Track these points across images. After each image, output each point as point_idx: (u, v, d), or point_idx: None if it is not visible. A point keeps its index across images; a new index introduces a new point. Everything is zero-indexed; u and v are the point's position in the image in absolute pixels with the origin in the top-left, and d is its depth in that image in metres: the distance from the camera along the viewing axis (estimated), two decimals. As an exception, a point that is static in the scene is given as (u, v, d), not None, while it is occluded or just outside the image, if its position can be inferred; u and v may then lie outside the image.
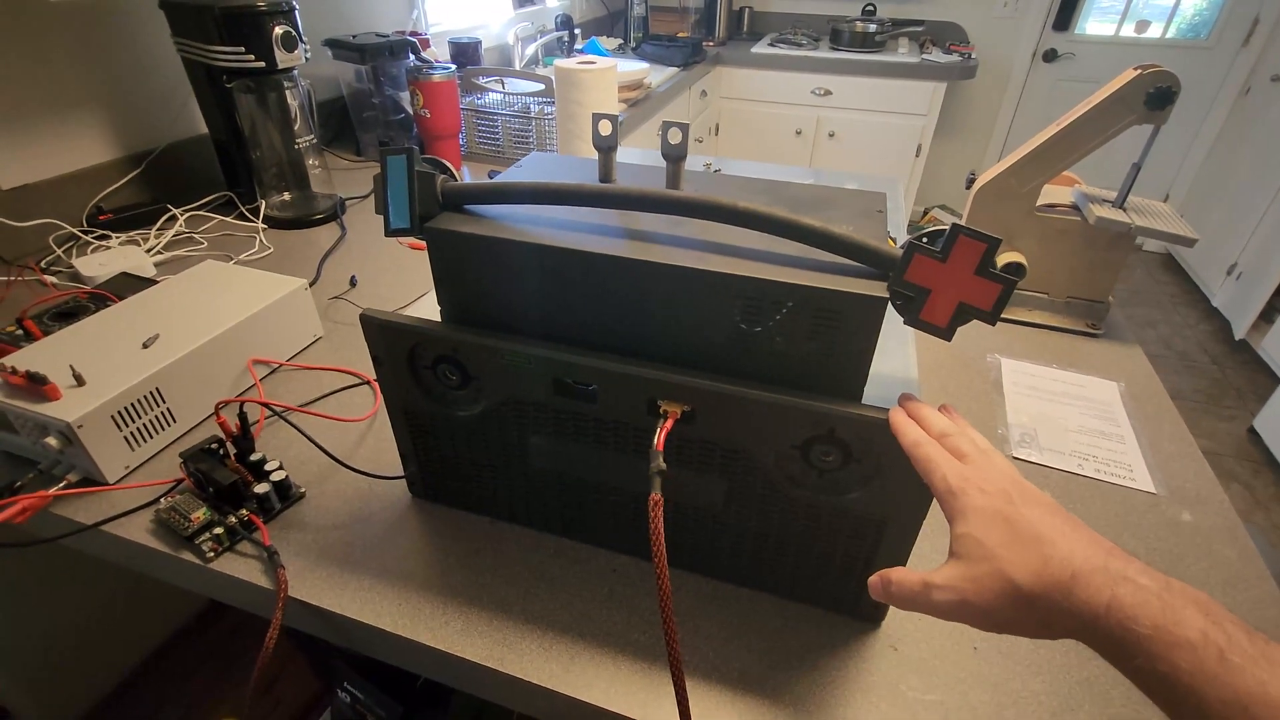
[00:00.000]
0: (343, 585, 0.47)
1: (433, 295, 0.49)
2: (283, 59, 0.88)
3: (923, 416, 0.36)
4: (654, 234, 0.41)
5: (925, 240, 0.37)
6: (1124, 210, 0.74)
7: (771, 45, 2.55)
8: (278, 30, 0.87)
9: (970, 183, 0.83)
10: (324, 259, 0.91)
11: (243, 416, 0.53)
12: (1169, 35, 2.58)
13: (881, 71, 2.35)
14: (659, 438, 0.39)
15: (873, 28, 2.44)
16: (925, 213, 3.08)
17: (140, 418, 0.56)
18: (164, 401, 0.58)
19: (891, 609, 0.46)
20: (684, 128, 0.45)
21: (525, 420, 0.46)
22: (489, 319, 0.44)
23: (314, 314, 0.73)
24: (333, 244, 0.95)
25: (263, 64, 0.87)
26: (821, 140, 2.54)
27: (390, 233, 0.44)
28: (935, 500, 0.33)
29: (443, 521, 0.53)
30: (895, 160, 2.47)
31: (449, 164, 0.47)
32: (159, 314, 0.64)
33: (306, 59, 0.93)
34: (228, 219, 1.00)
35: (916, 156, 2.45)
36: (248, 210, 1.01)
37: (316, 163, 1.04)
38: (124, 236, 0.93)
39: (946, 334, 0.36)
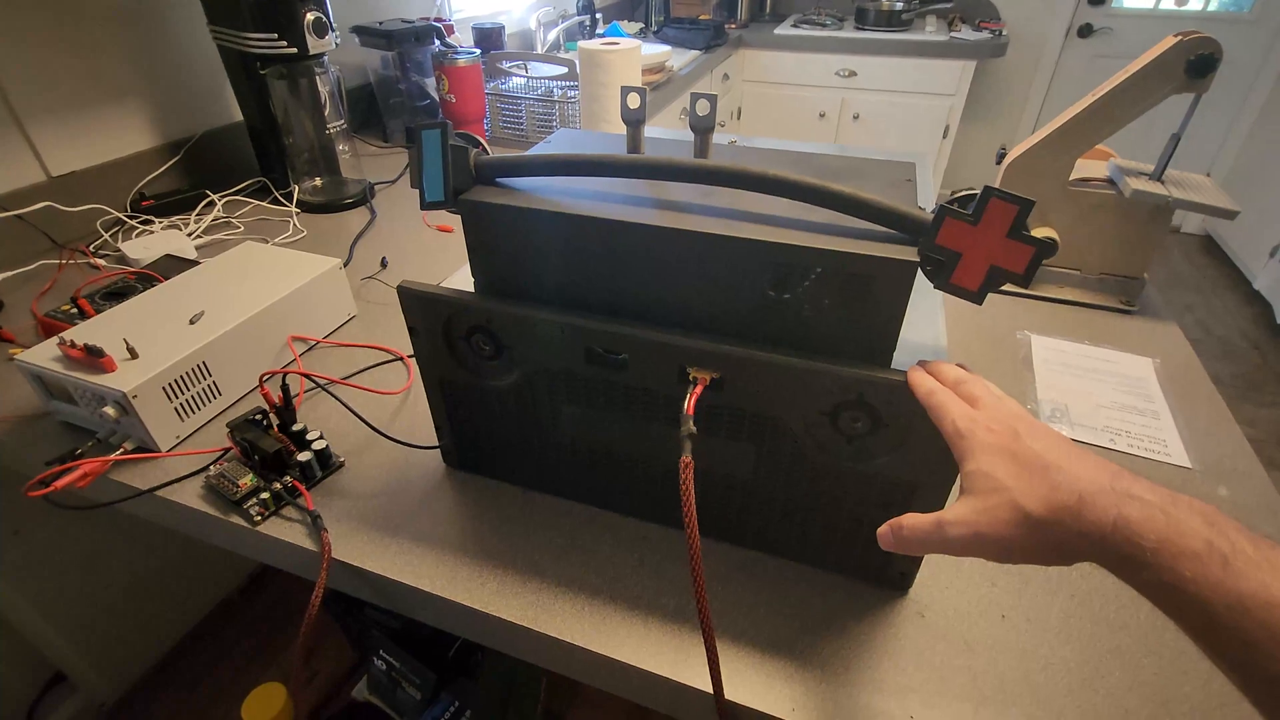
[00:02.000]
0: (383, 549, 0.49)
1: (464, 271, 0.50)
2: (314, 45, 0.90)
3: (937, 369, 0.37)
4: (683, 203, 0.42)
5: (956, 205, 0.37)
6: (1161, 183, 0.72)
7: (795, 26, 2.51)
8: (309, 16, 0.88)
9: (1001, 158, 0.81)
10: (355, 241, 0.93)
11: (285, 389, 0.55)
12: (1210, 8, 2.49)
13: (908, 51, 2.30)
14: (689, 402, 0.40)
15: (899, 5, 2.39)
16: (954, 195, 3.03)
17: (189, 389, 0.58)
18: (210, 375, 0.60)
19: (920, 578, 0.47)
20: (712, 99, 0.45)
21: (556, 389, 0.47)
22: (521, 290, 0.45)
23: (348, 293, 0.75)
24: (363, 227, 0.97)
25: (295, 50, 0.89)
26: (846, 123, 2.50)
27: (426, 205, 0.45)
28: (948, 445, 0.34)
29: (477, 490, 0.55)
30: (922, 142, 2.43)
31: (480, 139, 0.48)
32: (203, 293, 0.67)
33: (336, 44, 0.95)
34: (262, 204, 1.03)
35: (944, 138, 2.41)
36: (281, 195, 1.03)
37: (346, 148, 1.06)
38: (166, 221, 0.96)
39: (977, 298, 0.36)
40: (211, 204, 1.01)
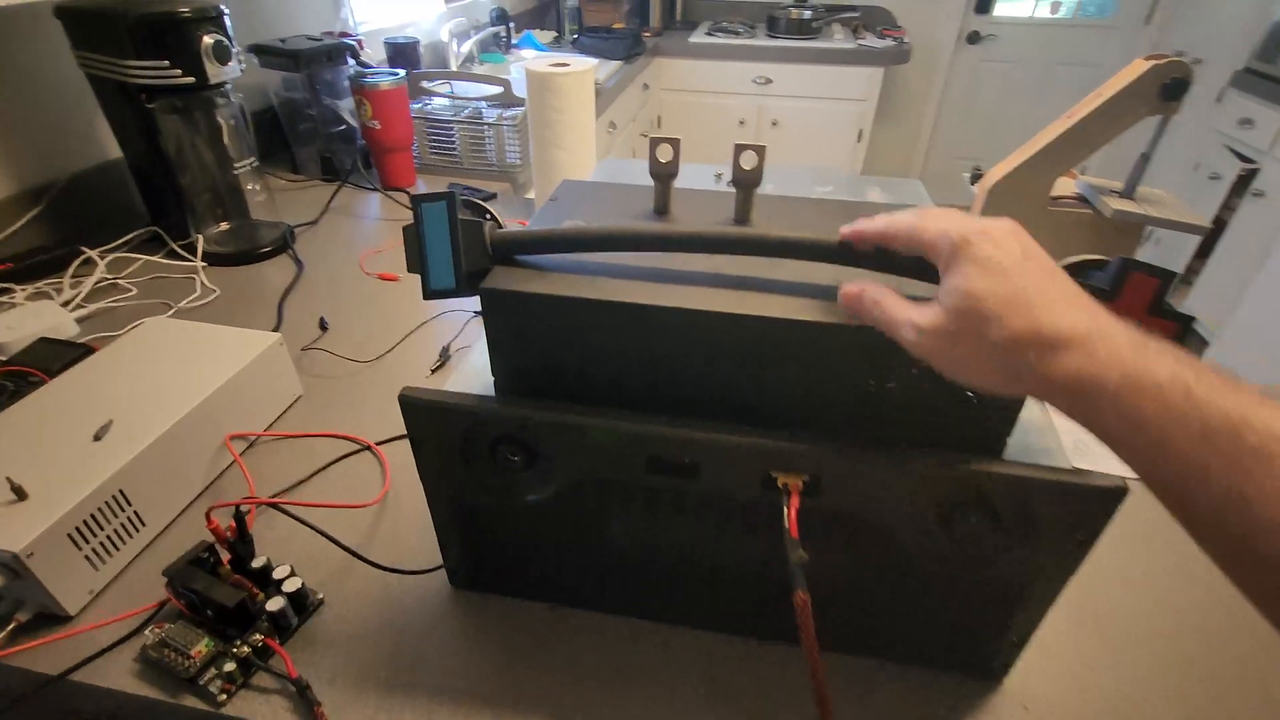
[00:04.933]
0: (398, 717, 0.40)
1: (472, 363, 0.41)
2: (215, 73, 0.76)
3: (880, 215, 0.33)
4: (749, 278, 0.35)
5: (1084, 274, 0.33)
6: (1134, 200, 0.74)
7: (709, 34, 2.51)
8: (207, 40, 0.75)
9: (975, 179, 0.81)
10: (283, 300, 0.80)
11: (240, 520, 0.44)
12: (1078, 15, 2.71)
13: (820, 58, 2.35)
14: (790, 519, 0.34)
15: (808, 14, 2.45)
16: (864, 195, 3.15)
17: (103, 529, 0.46)
18: (130, 504, 0.47)
19: (1020, 666, 0.43)
20: (760, 150, 0.39)
21: (608, 500, 0.40)
22: (560, 388, 0.38)
23: (291, 371, 0.64)
24: (290, 281, 0.84)
25: (191, 79, 0.75)
26: (765, 129, 2.53)
27: (431, 294, 0.37)
28: (933, 258, 0.29)
29: (494, 614, 0.46)
30: (838, 146, 2.50)
31: (489, 207, 0.39)
32: (104, 392, 0.53)
33: (241, 71, 0.81)
34: (157, 258, 0.87)
35: (859, 141, 2.48)
36: (180, 247, 0.88)
37: (258, 187, 0.92)
38: (31, 288, 0.79)
39: None
40: (91, 263, 0.84)
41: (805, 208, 0.45)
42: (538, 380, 0.38)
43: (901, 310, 0.29)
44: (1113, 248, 0.77)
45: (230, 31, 0.78)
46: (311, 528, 0.47)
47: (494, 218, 0.39)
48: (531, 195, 1.04)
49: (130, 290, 0.81)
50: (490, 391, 0.39)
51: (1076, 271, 0.33)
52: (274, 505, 0.48)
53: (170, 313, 0.77)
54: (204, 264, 0.86)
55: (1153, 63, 0.66)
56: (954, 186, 3.02)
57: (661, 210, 0.43)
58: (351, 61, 1.09)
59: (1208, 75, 2.18)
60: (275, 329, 0.75)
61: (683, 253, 0.36)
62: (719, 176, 0.70)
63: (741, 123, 2.52)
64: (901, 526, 0.36)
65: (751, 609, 0.43)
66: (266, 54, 1.05)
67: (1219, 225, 2.06)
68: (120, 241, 0.88)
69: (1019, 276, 0.27)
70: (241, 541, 0.45)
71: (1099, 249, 0.77)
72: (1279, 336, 1.73)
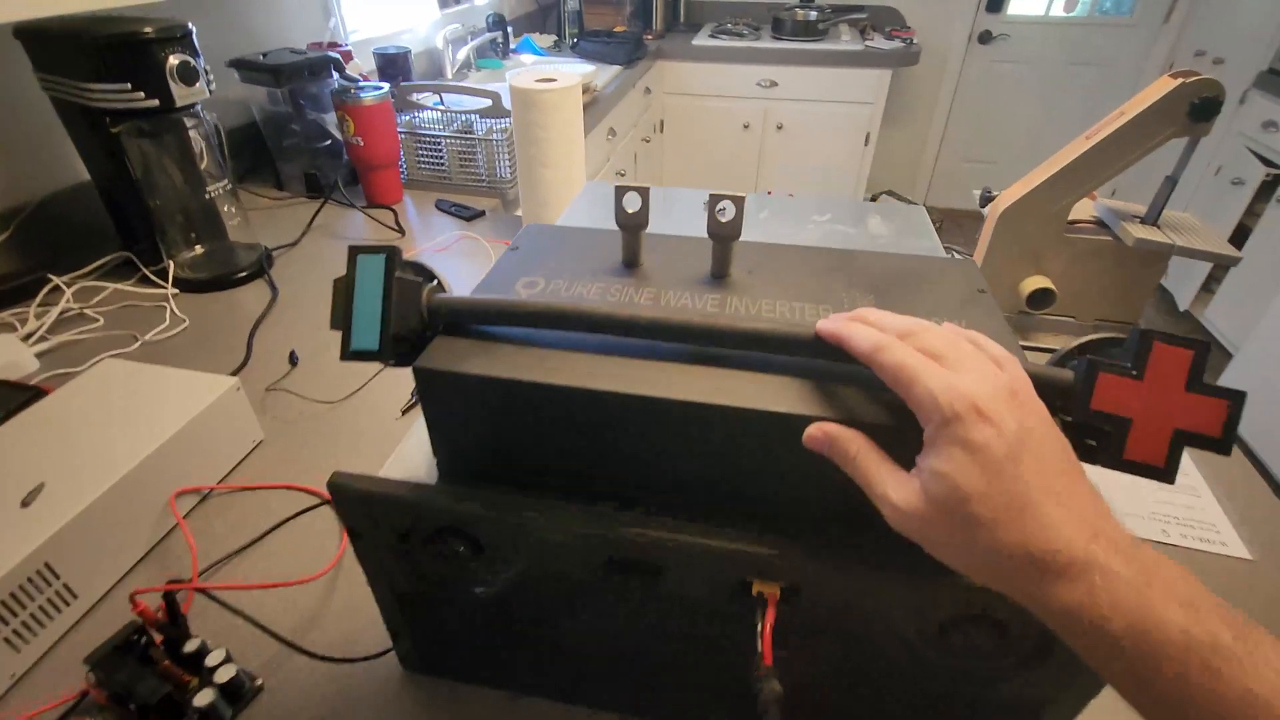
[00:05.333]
0: (333, 833, 0.36)
1: (414, 441, 0.37)
2: (181, 95, 0.73)
3: (868, 316, 0.28)
4: (730, 359, 0.31)
5: (1100, 352, 0.28)
6: (1158, 227, 0.69)
7: (712, 36, 2.46)
8: (172, 61, 0.71)
9: (986, 201, 0.76)
10: (254, 331, 0.76)
11: (171, 603, 0.40)
12: (1094, 13, 2.63)
13: (826, 60, 2.30)
14: (763, 640, 0.29)
15: (814, 15, 2.39)
16: (874, 199, 3.08)
17: (25, 608, 0.42)
18: (58, 578, 0.44)
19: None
20: (739, 201, 0.35)
21: (564, 594, 0.35)
22: (508, 473, 0.33)
23: (250, 415, 0.60)
24: (263, 309, 0.80)
25: (156, 102, 0.72)
26: (769, 133, 2.47)
27: (349, 355, 0.33)
28: (917, 417, 0.25)
29: (449, 702, 0.42)
30: (845, 150, 2.44)
31: (434, 270, 0.35)
32: (43, 447, 0.50)
33: (211, 92, 0.77)
34: (127, 285, 0.83)
35: (866, 145, 2.42)
36: (152, 272, 0.84)
37: (233, 209, 0.88)
38: (-6, 319, 0.76)
39: (1167, 475, 0.27)
40: (58, 290, 0.80)
41: (793, 259, 0.40)
42: (484, 464, 0.34)
43: (877, 478, 0.26)
44: (1135, 278, 0.72)
45: (198, 51, 0.75)
46: (245, 617, 0.42)
47: (440, 283, 0.35)
48: (521, 213, 1.00)
49: (97, 320, 0.78)
50: (433, 473, 0.35)
51: (1093, 352, 0.29)
52: (204, 591, 0.44)
53: (136, 345, 0.74)
54: (175, 291, 0.83)
55: (1180, 80, 0.61)
56: (964, 189, 2.95)
57: (631, 263, 0.39)
58: (336, 76, 1.05)
59: (1229, 76, 2.11)
60: (243, 363, 0.71)
61: (656, 340, 0.32)
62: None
63: (746, 126, 2.47)
64: (893, 640, 0.31)
65: (724, 705, 0.39)
66: (247, 69, 1.01)
67: (1242, 232, 1.98)
68: (90, 268, 0.85)
69: (1013, 472, 0.23)
70: (173, 624, 0.41)
71: (1119, 279, 0.72)
72: (1306, 350, 1.66)
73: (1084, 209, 0.75)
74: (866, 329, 0.27)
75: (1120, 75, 2.67)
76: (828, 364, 0.29)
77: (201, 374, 0.58)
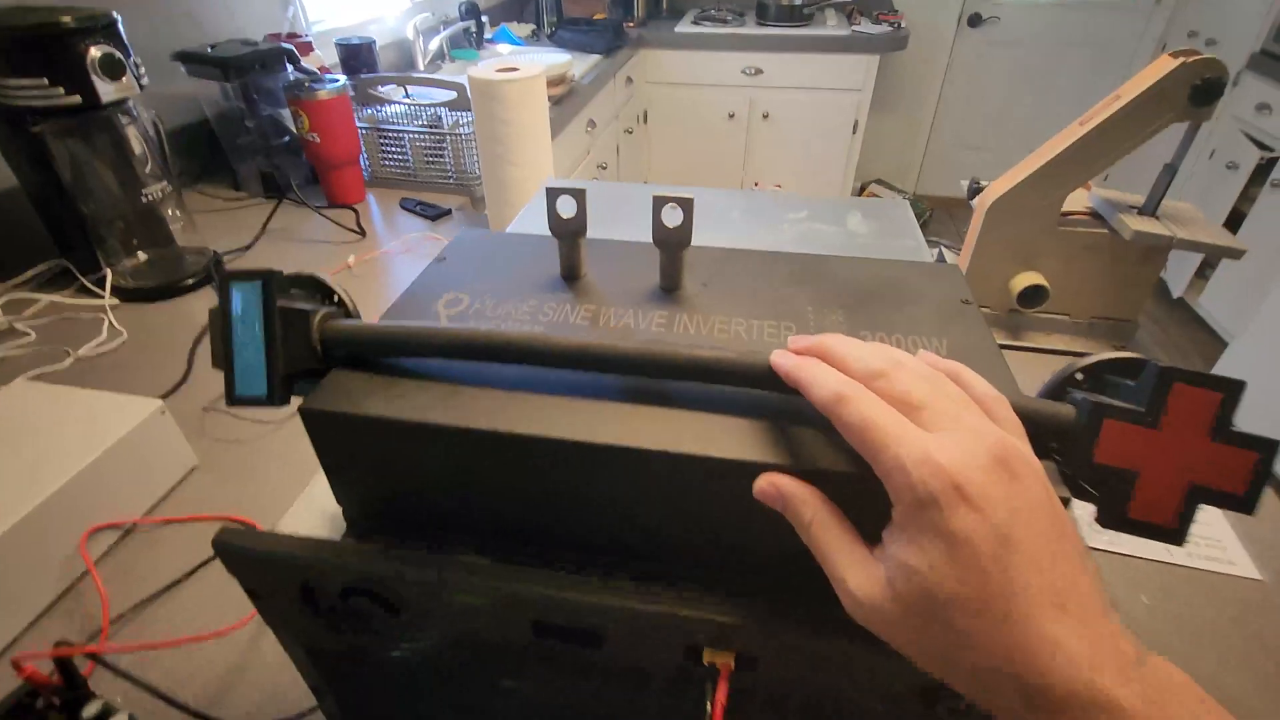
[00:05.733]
0: None
1: (319, 486, 0.33)
2: (107, 91, 0.67)
3: (832, 350, 0.23)
4: (673, 392, 0.27)
5: (1109, 389, 0.24)
6: (1157, 218, 0.64)
7: (695, 23, 2.39)
8: (94, 54, 0.65)
9: (974, 192, 0.72)
10: (196, 344, 0.71)
11: (66, 668, 0.36)
12: (1087, -6, 2.58)
13: (812, 46, 2.24)
14: (714, 713, 0.25)
15: (799, 0, 2.33)
16: (863, 188, 3.03)
17: (-98, 673, 0.37)
18: (-57, 636, 0.39)
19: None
20: (686, 205, 0.31)
21: (494, 658, 0.31)
22: (422, 524, 0.29)
23: (180, 440, 0.55)
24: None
25: (77, 98, 0.66)
26: (755, 122, 2.42)
27: (236, 401, 0.28)
28: (886, 488, 0.20)
29: (385, 767, 0.38)
30: (833, 138, 2.39)
31: (334, 284, 0.31)
32: (-64, 487, 0.45)
33: (142, 86, 0.72)
34: (63, 297, 0.78)
35: (854, 133, 2.37)
36: (91, 282, 0.79)
37: (177, 212, 0.83)
38: (-85, 336, 0.70)
39: (1176, 536, 0.23)
40: (-12, 303, 0.75)
41: (754, 267, 0.36)
42: (395, 514, 0.29)
43: (835, 555, 0.21)
44: (1133, 273, 0.68)
45: (126, 42, 0.69)
46: (149, 690, 0.38)
47: (340, 301, 0.31)
48: (489, 213, 0.95)
49: (29, 335, 0.73)
50: (340, 523, 0.30)
51: (1099, 375, 0.24)
52: (95, 656, 0.40)
53: (68, 362, 0.69)
54: (116, 301, 0.78)
55: (1181, 60, 0.56)
56: (955, 177, 2.92)
57: (570, 275, 0.34)
58: (290, 68, 1.00)
59: (1222, 58, 2.07)
60: (182, 380, 0.66)
61: (567, 368, 0.27)
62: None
63: (732, 116, 2.41)
64: (868, 711, 0.27)
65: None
66: (193, 62, 0.96)
67: (1236, 217, 1.95)
68: (22, 279, 0.79)
69: (1000, 574, 0.18)
70: (69, 688, 0.37)
71: (1117, 274, 0.68)
72: (1302, 337, 1.63)
73: (1078, 200, 0.70)
74: (826, 372, 0.22)
75: (1113, 57, 2.63)
76: (785, 396, 0.25)
77: (125, 396, 0.53)
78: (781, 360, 0.24)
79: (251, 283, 0.27)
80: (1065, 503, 0.23)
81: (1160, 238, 0.61)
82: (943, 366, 0.23)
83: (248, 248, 0.90)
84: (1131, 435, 0.22)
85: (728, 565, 0.27)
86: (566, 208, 0.32)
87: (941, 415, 0.20)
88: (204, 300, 0.80)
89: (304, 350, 0.28)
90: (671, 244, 0.32)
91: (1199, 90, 0.56)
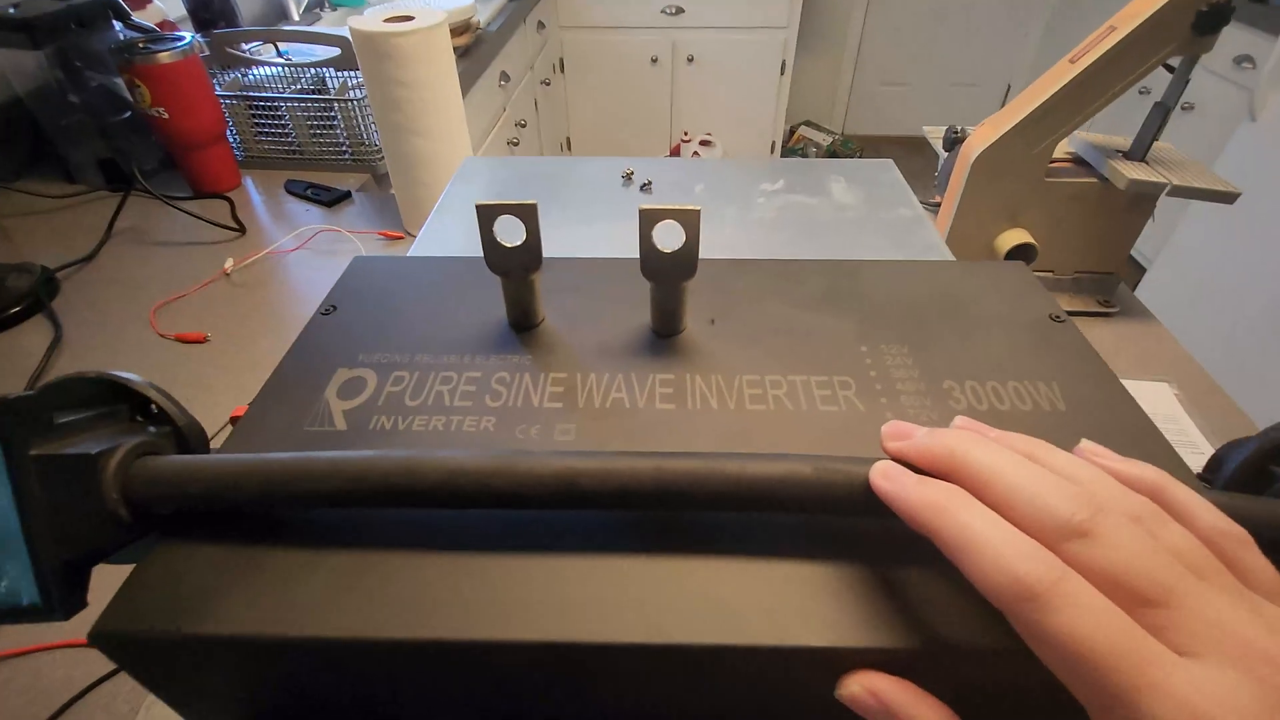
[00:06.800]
0: None
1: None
2: None
3: (970, 466, 0.15)
4: (691, 519, 0.17)
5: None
6: (1147, 163, 0.59)
7: (607, -42, 2.20)
8: None
9: (952, 142, 0.64)
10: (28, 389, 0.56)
11: None
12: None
13: (733, -19, 2.11)
14: None
15: (715, -69, 2.17)
16: (793, 131, 2.95)
17: None
18: None
19: None
20: (689, 221, 0.21)
21: None
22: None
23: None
24: (43, 358, 0.59)
25: None
26: (680, 66, 2.28)
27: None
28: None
29: None
30: (761, 80, 2.29)
31: (146, 386, 0.19)
32: None
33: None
34: None
35: (782, 75, 2.28)
36: (-126, 321, 0.61)
37: (-14, 222, 0.65)
38: None
39: None
40: None
41: (769, 284, 0.26)
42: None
43: None
44: (1121, 223, 0.63)
45: None
46: None
47: (164, 414, 0.19)
48: (395, 192, 0.81)
49: None
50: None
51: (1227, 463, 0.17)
52: None
53: None
54: (-88, 345, 0.60)
55: (1183, -16, 0.50)
56: (881, 115, 2.88)
57: (522, 323, 0.24)
58: (118, 26, 0.80)
59: None
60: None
61: (476, 508, 0.17)
62: (628, 178, 0.50)
63: (654, 60, 2.27)
64: None
65: None
66: (-16, 24, 0.75)
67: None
68: None
69: None
70: None
71: (1104, 226, 0.63)
72: (1208, 262, 1.69)
73: (1059, 146, 0.64)
74: (995, 529, 0.13)
75: (1024, -14, 2.61)
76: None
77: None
78: (901, 492, 0.15)
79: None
80: None
81: (1157, 185, 0.56)
82: (1134, 480, 0.15)
83: (90, 257, 0.73)
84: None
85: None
86: (509, 233, 0.21)
87: (1194, 619, 0.12)
88: (32, 332, 0.63)
89: (95, 518, 0.17)
90: (671, 276, 0.22)
91: (1204, 16, 0.49)
